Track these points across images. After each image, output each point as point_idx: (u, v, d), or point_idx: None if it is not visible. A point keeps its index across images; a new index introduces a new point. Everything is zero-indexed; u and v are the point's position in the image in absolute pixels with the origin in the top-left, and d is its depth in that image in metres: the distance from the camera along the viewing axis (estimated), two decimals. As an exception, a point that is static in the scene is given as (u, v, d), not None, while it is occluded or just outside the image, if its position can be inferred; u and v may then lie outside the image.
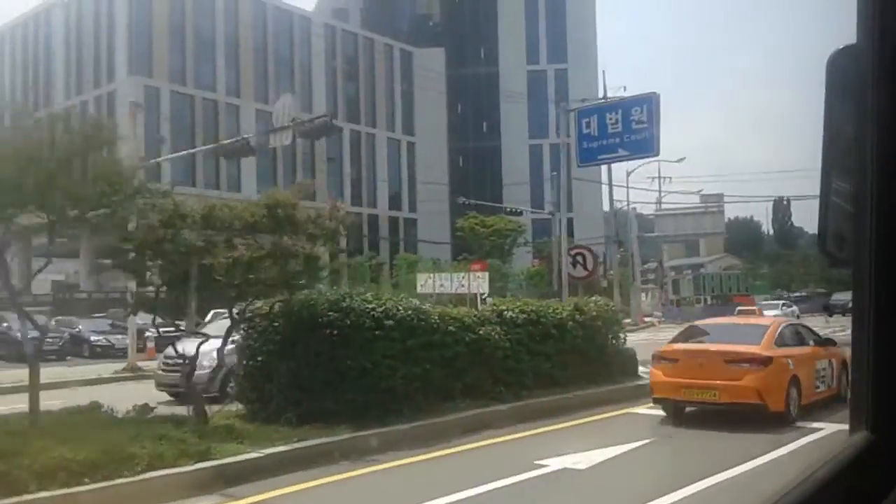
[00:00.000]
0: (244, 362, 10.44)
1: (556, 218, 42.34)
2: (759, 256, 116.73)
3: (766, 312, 35.48)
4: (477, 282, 43.27)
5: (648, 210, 56.74)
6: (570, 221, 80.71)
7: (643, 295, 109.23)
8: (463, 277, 43.45)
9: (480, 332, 10.71)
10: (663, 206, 53.06)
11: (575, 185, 79.36)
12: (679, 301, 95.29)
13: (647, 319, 51.03)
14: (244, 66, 65.83)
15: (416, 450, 8.75)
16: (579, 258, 15.41)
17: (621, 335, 13.75)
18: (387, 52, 78.82)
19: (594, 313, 12.86)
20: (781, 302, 37.35)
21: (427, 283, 44.50)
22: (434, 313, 10.21)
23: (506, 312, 11.45)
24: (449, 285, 44.13)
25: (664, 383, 10.62)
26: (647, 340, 33.61)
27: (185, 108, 61.76)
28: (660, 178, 59.81)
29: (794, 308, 36.70)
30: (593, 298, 13.90)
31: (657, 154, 14.79)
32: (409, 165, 77.34)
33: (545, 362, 11.77)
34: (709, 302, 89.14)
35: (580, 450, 8.69)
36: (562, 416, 10.97)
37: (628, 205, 48.45)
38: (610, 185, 46.46)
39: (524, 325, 11.52)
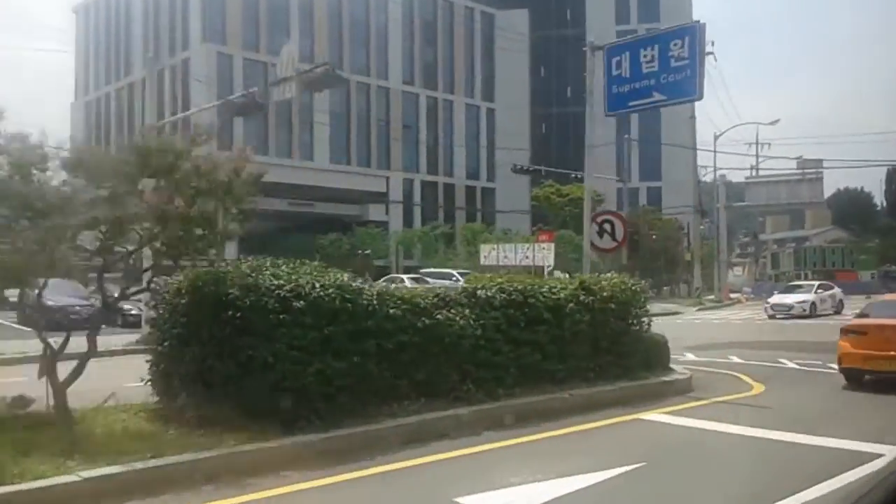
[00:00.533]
0: (155, 346, 8.65)
1: (624, 187, 39.07)
2: (868, 230, 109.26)
3: (789, 297, 31.95)
4: (542, 254, 40.79)
5: (741, 178, 52.60)
6: (657, 190, 76.97)
7: (739, 269, 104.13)
8: (528, 249, 41.11)
9: (438, 316, 8.52)
10: (759, 173, 48.87)
11: (665, 151, 75.39)
12: (778, 276, 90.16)
13: (733, 296, 47.26)
14: (318, 33, 64.47)
15: (317, 470, 6.69)
16: (606, 226, 12.90)
17: (645, 320, 11.25)
18: (467, 15, 75.97)
19: (606, 293, 10.43)
20: (817, 284, 34.62)
21: (490, 254, 42.37)
22: (371, 293, 8.06)
23: (480, 292, 9.19)
24: (513, 257, 41.89)
25: (852, 354, 11.42)
26: (720, 320, 30.48)
27: (257, 75, 60.85)
28: (758, 143, 55.35)
29: (836, 290, 33.58)
30: (608, 275, 11.43)
31: (700, 97, 12.09)
32: (488, 133, 74.75)
33: (534, 353, 9.49)
34: (809, 277, 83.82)
35: (539, 477, 6.47)
36: (547, 422, 8.71)
37: (714, 171, 44.61)
38: (694, 149, 42.71)
39: (504, 307, 9.25)
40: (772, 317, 30.32)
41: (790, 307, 30.48)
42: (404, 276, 37.36)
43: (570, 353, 9.98)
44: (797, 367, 14.29)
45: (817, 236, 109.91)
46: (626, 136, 45.79)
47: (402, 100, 68.47)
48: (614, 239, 12.96)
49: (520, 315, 9.38)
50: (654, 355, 11.33)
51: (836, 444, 7.67)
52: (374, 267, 47.96)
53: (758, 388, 11.78)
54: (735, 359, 15.54)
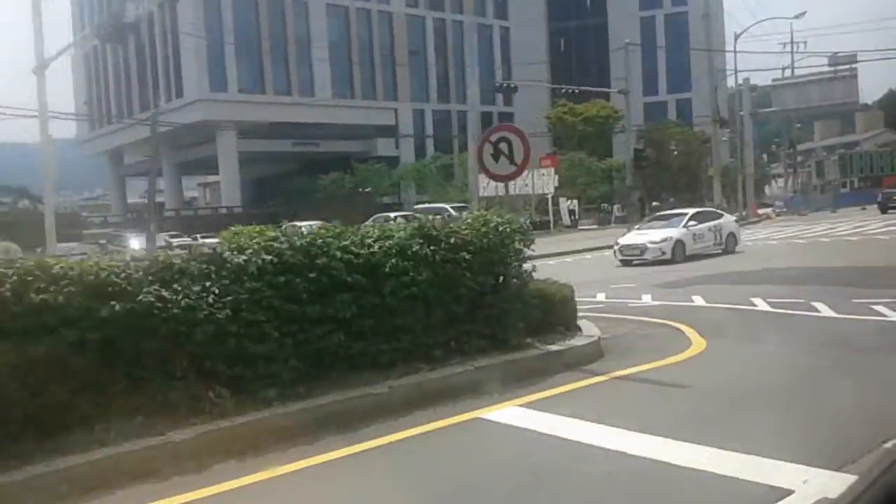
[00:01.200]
0: None
1: (628, 97, 35.30)
2: None
3: (643, 236, 22.51)
4: (542, 180, 37.57)
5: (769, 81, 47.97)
6: (687, 102, 72.05)
7: (783, 181, 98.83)
8: (526, 176, 37.88)
9: (144, 298, 5.78)
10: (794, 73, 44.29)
11: (695, 59, 70.02)
12: (823, 186, 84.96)
13: (762, 212, 43.42)
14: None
15: None
16: (503, 146, 9.95)
17: (528, 268, 8.38)
18: (471, -73, 71.18)
19: (454, 240, 7.57)
20: (691, 213, 23.55)
21: (490, 184, 39.26)
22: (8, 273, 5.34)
23: (228, 255, 6.39)
24: (512, 185, 38.79)
25: None
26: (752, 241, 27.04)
27: (249, 9, 57.58)
28: (792, 41, 50.31)
29: (723, 220, 23.74)
30: (491, 211, 8.50)
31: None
32: (503, 53, 70.60)
33: (334, 334, 6.73)
34: (856, 185, 78.57)
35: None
36: (340, 434, 6.02)
37: (735, 74, 40.38)
38: (709, 50, 38.54)
39: (272, 274, 6.47)
40: (625, 263, 21.85)
41: (642, 249, 21.51)
42: (394, 214, 34.63)
43: (401, 326, 7.19)
44: (770, 309, 11.27)
45: (868, 141, 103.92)
46: (627, 41, 41.30)
47: (407, 24, 64.67)
48: (513, 162, 9.96)
49: (302, 283, 6.58)
50: (547, 315, 8.46)
51: (743, 468, 4.82)
52: (380, 205, 45.40)
53: (696, 347, 8.86)
54: (699, 300, 12.57)
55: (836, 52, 41.47)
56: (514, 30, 70.10)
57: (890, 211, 37.78)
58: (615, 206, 41.45)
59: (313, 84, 59.11)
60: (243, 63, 55.33)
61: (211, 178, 73.87)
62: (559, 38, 75.16)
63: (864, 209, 43.33)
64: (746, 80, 42.29)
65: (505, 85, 39.87)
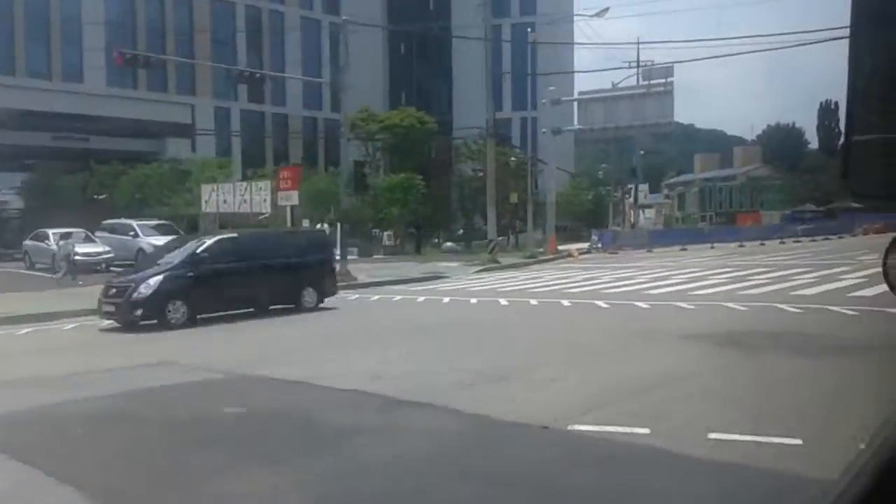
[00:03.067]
0: None
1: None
2: (798, 167, 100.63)
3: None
4: (259, 195, 29.63)
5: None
6: (534, 121, 65.64)
7: (648, 212, 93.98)
8: (244, 190, 30.05)
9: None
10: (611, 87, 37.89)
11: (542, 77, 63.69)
12: (683, 218, 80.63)
13: (564, 248, 36.69)
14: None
15: None
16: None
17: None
18: None
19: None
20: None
21: (211, 197, 31.14)
22: None
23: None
24: (232, 201, 30.73)
25: None
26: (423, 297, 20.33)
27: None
28: (639, 55, 44.19)
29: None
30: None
31: None
32: (332, 52, 62.78)
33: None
34: (714, 220, 74.29)
35: None
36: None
37: (532, 85, 33.59)
38: (486, 51, 31.60)
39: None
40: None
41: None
42: (51, 232, 26.13)
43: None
44: None
45: (745, 175, 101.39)
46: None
47: (212, 8, 56.03)
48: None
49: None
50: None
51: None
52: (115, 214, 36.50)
53: None
54: None
55: (651, 64, 35.42)
56: (347, 28, 62.17)
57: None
58: (385, 234, 34.12)
59: (82, 70, 49.78)
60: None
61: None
62: (399, 41, 67.71)
63: (685, 249, 37.27)
64: (551, 90, 35.67)
65: (247, 74, 31.70)
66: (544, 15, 60.80)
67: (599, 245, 38.47)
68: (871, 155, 1.16)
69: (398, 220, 34.69)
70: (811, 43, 37.24)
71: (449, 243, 33.80)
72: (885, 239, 40.64)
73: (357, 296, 19.73)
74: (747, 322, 12.10)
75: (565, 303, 15.86)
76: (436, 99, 67.38)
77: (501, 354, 10.31)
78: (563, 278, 22.88)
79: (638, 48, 50.74)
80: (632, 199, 73.12)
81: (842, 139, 1.13)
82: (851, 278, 18.02)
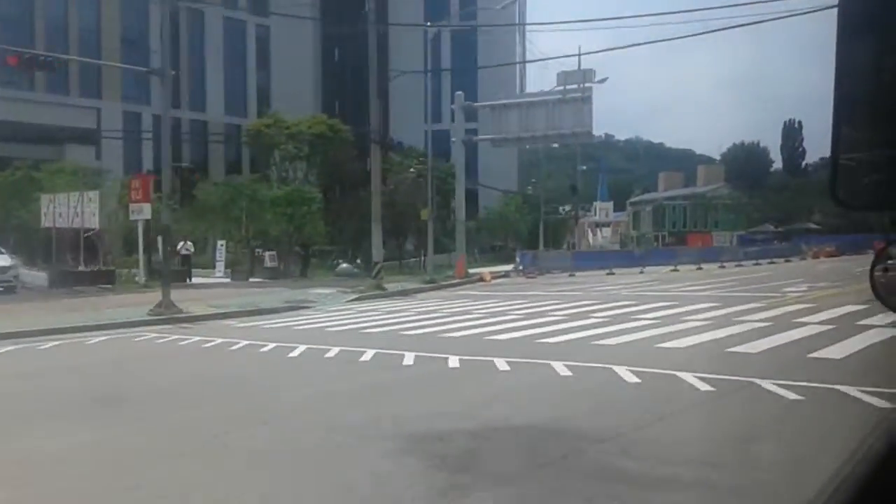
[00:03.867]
0: None
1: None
2: (761, 186, 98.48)
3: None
4: (90, 208, 25.30)
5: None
6: (473, 132, 62.15)
7: (605, 230, 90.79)
8: (77, 202, 25.67)
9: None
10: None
11: (484, 80, 59.82)
12: (638, 238, 77.38)
13: (476, 271, 32.87)
14: None
15: None
16: None
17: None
18: None
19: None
20: None
21: (49, 209, 26.88)
22: None
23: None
24: (66, 214, 26.42)
25: None
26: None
27: None
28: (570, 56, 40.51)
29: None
30: None
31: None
32: (260, 55, 58.98)
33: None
34: (667, 239, 71.14)
35: None
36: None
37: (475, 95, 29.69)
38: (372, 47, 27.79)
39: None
40: None
41: None
42: None
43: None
44: None
45: (708, 194, 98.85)
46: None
47: (122, 5, 51.89)
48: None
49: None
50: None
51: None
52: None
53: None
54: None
55: (569, 70, 31.66)
56: (276, 31, 58.36)
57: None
58: (268, 254, 29.94)
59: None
60: None
61: None
62: (333, 45, 63.68)
63: (612, 273, 33.62)
64: (460, 95, 31.92)
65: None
66: (486, 11, 57.01)
67: (521, 267, 34.71)
68: (858, 165, 1.20)
69: (285, 239, 30.64)
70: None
71: (345, 265, 29.87)
72: (834, 264, 37.41)
73: (149, 336, 15.72)
74: (535, 406, 8.21)
75: (365, 356, 11.92)
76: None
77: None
78: (428, 313, 18.98)
79: (579, 58, 47.19)
80: (593, 216, 69.99)
81: (828, 152, 1.20)
82: (755, 320, 14.28)
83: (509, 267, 36.74)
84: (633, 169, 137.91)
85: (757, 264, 38.87)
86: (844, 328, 12.74)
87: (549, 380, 9.38)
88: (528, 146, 33.95)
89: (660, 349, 11.35)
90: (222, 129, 56.13)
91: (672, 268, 35.90)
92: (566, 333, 13.43)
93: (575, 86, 29.51)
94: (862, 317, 14.25)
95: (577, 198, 52.71)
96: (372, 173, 25.84)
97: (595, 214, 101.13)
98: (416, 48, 61.53)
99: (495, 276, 34.01)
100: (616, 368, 9.58)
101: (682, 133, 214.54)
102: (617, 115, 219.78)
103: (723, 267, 36.81)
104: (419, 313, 18.77)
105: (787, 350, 10.81)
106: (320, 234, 31.77)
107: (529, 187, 49.28)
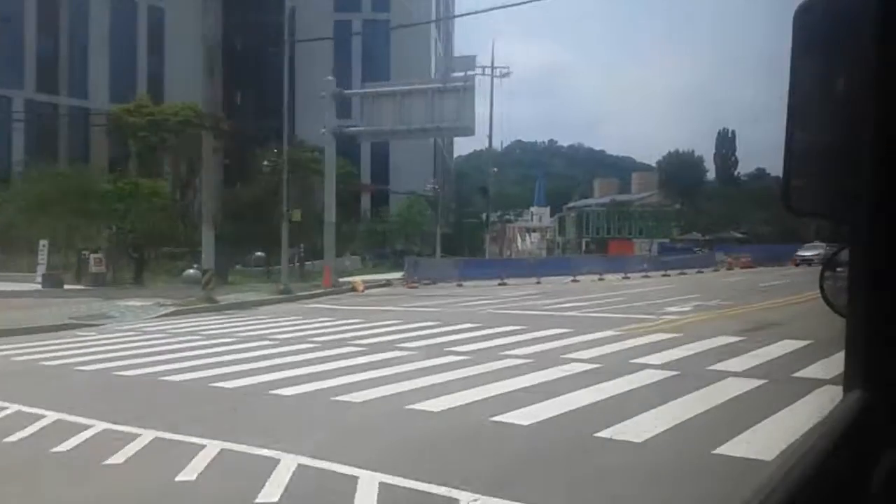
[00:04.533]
0: None
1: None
2: (694, 194, 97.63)
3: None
4: None
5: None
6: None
7: (534, 236, 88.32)
8: None
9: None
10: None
11: (398, 65, 55.60)
12: (563, 244, 74.87)
13: (346, 280, 29.20)
14: None
15: None
16: None
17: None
18: None
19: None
20: None
21: None
22: None
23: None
24: None
25: None
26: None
27: None
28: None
29: None
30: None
31: None
32: (151, 39, 54.37)
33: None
34: (589, 246, 68.72)
35: None
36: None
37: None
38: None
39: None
40: None
41: None
42: None
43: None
44: None
45: (641, 201, 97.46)
46: None
47: (-10, -22, 46.89)
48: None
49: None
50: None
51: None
52: None
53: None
54: None
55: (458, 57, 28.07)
56: (172, 15, 53.75)
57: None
58: (93, 257, 25.63)
59: None
60: None
61: None
62: (236, 34, 59.03)
63: (504, 283, 30.38)
64: (329, 82, 28.26)
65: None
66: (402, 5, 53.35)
67: (416, 278, 31.14)
68: (810, 173, 1.25)
69: (115, 240, 26.50)
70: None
71: (191, 271, 25.93)
72: (745, 276, 34.69)
73: None
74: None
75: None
76: (279, 102, 59.01)
77: None
78: (217, 336, 15.26)
79: (493, 48, 43.96)
80: (530, 221, 67.42)
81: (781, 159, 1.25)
82: (583, 360, 10.92)
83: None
84: (575, 175, 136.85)
85: (665, 275, 36.05)
86: (690, 376, 9.43)
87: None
88: (403, 140, 30.36)
89: (408, 413, 7.84)
90: (104, 119, 51.32)
91: (573, 278, 32.82)
92: (318, 380, 9.85)
93: (461, 73, 26.06)
94: (727, 354, 11.04)
95: (487, 200, 49.31)
96: (203, 165, 21.94)
97: (532, 219, 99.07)
98: (326, 44, 57.72)
99: (376, 285, 30.43)
100: (287, 459, 6.03)
101: (623, 141, 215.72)
102: (561, 123, 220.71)
103: (627, 278, 33.88)
104: (207, 337, 15.04)
105: (568, 422, 7.36)
106: (166, 235, 27.78)
107: (428, 188, 45.63)
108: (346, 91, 28.56)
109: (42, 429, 7.46)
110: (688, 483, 5.61)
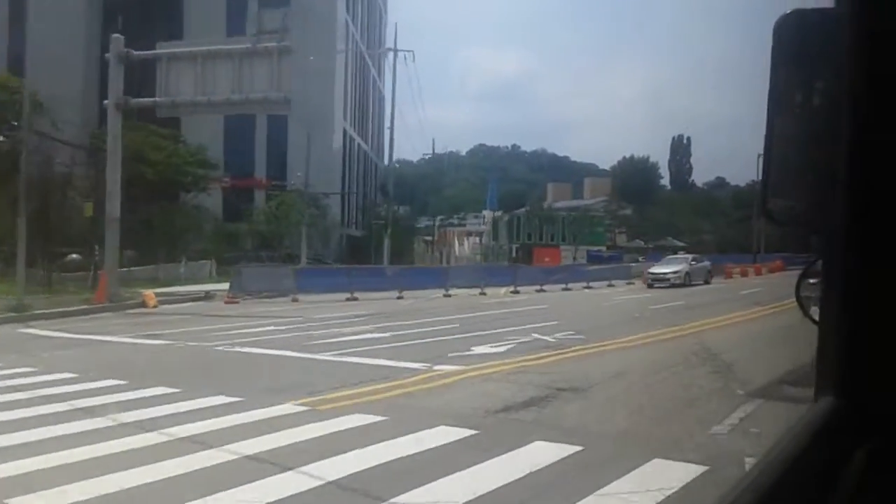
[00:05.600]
0: None
1: None
2: (646, 201, 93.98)
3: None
4: None
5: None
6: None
7: (472, 239, 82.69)
8: None
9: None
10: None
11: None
12: (497, 250, 70.00)
13: (151, 292, 22.94)
14: None
15: None
16: None
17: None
18: None
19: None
20: None
21: None
22: None
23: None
24: None
25: None
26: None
27: None
28: None
29: None
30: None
31: None
32: (11, 13, 47.94)
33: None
34: (518, 252, 63.63)
35: None
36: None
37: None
38: None
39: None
40: None
41: None
42: None
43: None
44: None
45: (595, 206, 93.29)
46: None
47: None
48: None
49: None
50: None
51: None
52: None
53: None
54: None
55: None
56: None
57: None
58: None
59: None
60: None
61: None
62: (117, 10, 51.93)
63: (353, 298, 24.50)
64: (117, 40, 22.10)
65: None
66: None
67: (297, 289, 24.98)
68: (788, 182, 1.27)
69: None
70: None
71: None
72: (650, 293, 28.95)
73: None
74: None
75: None
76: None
77: None
78: None
79: (396, 31, 38.30)
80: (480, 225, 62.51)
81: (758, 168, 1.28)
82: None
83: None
84: (537, 180, 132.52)
85: (567, 289, 30.37)
86: None
87: None
88: (206, 112, 24.32)
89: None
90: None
91: (445, 293, 26.96)
92: None
93: (274, 34, 20.11)
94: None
95: (387, 201, 43.32)
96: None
97: (482, 223, 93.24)
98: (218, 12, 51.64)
99: (188, 298, 24.31)
100: None
101: (587, 147, 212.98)
102: (526, 128, 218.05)
103: (516, 293, 28.15)
104: None
105: None
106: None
107: (293, 181, 39.44)
108: (136, 52, 22.35)
109: None
110: None
